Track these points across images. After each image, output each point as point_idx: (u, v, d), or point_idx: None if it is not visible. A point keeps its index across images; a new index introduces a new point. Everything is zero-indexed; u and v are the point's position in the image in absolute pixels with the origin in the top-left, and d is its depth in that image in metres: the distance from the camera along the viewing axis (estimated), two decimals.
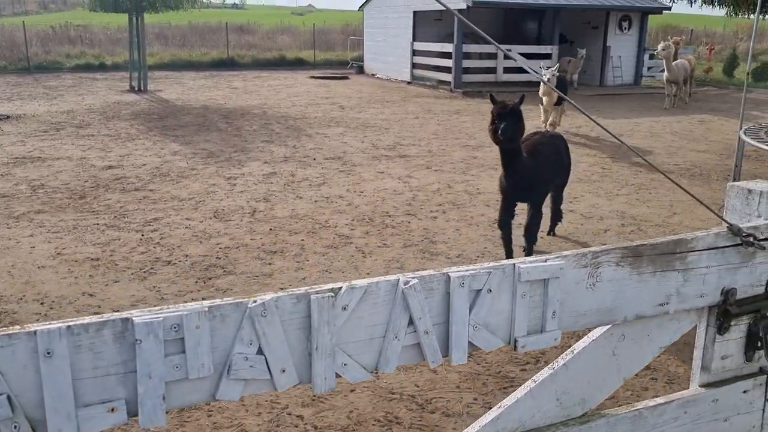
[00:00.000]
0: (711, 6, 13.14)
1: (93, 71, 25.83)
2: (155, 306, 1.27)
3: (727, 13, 13.39)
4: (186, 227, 7.10)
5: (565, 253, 1.51)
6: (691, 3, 13.51)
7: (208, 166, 10.04)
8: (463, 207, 8.05)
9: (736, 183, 1.79)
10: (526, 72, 21.46)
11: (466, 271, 1.45)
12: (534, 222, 5.92)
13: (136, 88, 19.69)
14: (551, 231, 7.01)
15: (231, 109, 16.20)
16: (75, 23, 34.10)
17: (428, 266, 6.13)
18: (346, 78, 25.25)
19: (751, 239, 1.63)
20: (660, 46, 15.91)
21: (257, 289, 5.56)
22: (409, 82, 23.30)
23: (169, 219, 7.39)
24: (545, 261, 1.44)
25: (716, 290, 1.66)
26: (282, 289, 5.59)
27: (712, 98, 20.58)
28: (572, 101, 1.79)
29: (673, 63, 15.98)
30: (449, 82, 20.93)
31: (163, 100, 17.88)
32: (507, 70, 21.21)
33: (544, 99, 14.14)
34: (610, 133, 1.56)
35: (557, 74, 13.84)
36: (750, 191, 1.76)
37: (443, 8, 16.55)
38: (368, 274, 5.93)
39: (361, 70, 27.58)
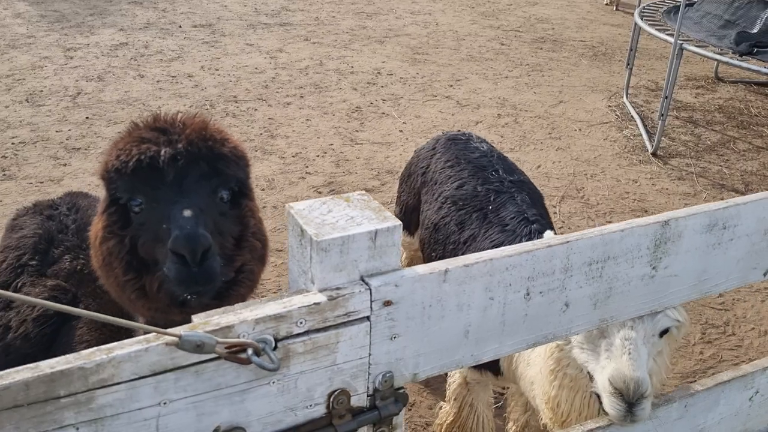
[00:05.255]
0: None
1: None
2: None
3: None
4: None
5: None
6: None
7: (50, 33, 8.62)
8: (326, 90, 7.06)
9: (293, 207, 0.96)
10: None
11: None
12: None
13: None
14: None
15: None
16: None
17: (254, 169, 5.24)
18: None
19: (250, 351, 0.82)
20: None
21: (32, 201, 4.61)
22: None
23: None
24: None
25: None
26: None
27: None
28: None
29: None
30: None
31: None
32: None
33: None
34: None
35: None
36: (303, 232, 0.92)
37: None
38: None
39: None
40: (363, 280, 0.93)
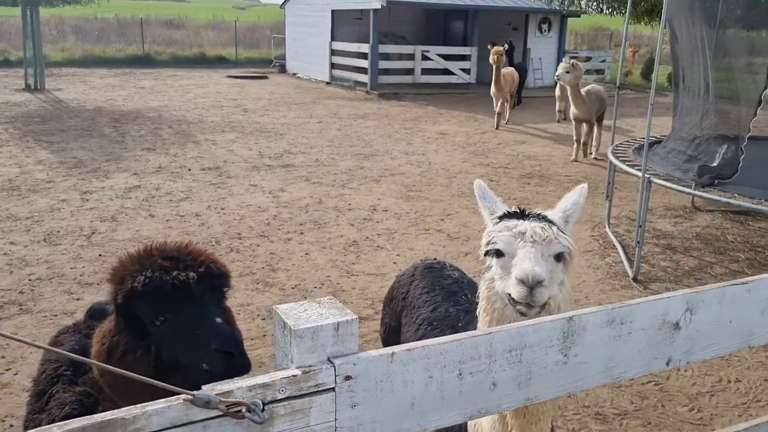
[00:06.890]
0: (614, 14, 12.87)
1: None
2: None
3: (632, 21, 13.21)
4: (3, 254, 6.37)
5: None
6: (601, 11, 13.17)
7: (68, 178, 9.26)
8: (324, 227, 7.53)
9: (278, 307, 1.29)
10: (446, 73, 21.15)
11: None
12: None
13: (32, 87, 18.57)
14: None
15: (125, 112, 15.32)
16: None
17: (256, 300, 5.59)
18: (265, 78, 24.51)
19: (244, 409, 1.13)
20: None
21: (47, 333, 4.90)
22: (328, 83, 22.72)
23: None
24: None
25: None
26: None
27: (627, 102, 20.60)
28: None
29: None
30: (366, 83, 20.42)
31: (57, 100, 16.86)
32: (425, 71, 20.82)
33: (576, 108, 10.93)
34: None
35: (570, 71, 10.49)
36: (285, 324, 1.25)
37: (361, 7, 15.65)
38: None
39: (283, 69, 26.89)
40: (329, 360, 1.25)
